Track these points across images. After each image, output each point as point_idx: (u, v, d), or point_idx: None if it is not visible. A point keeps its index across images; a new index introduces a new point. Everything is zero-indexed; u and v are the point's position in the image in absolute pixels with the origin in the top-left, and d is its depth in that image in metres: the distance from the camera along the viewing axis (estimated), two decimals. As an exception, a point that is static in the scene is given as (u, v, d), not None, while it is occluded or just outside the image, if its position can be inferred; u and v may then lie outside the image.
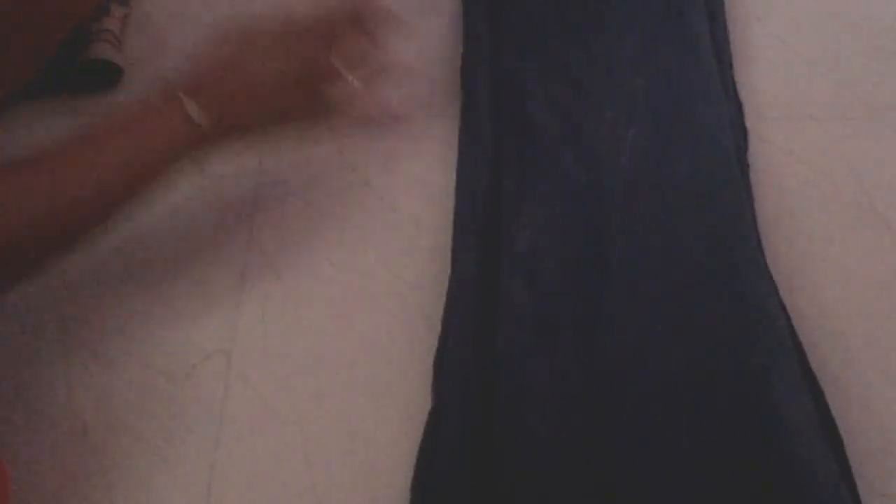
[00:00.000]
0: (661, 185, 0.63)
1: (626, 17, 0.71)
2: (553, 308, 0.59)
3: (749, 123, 0.68)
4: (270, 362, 0.62)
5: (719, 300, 0.58)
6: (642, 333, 0.58)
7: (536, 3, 0.73)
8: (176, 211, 0.68)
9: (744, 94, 0.70)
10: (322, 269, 0.65)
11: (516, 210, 0.63)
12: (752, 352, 0.56)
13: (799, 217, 0.64)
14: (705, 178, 0.63)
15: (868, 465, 0.55)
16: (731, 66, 0.71)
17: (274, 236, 0.66)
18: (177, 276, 0.65)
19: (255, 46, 0.54)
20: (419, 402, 0.58)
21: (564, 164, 0.65)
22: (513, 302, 0.59)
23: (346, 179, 0.68)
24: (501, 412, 0.55)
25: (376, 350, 0.61)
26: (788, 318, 0.59)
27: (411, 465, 0.56)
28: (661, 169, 0.64)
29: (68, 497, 0.57)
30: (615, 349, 0.57)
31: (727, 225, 0.61)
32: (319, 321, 0.63)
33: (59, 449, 0.59)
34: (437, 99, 0.72)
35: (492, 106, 0.68)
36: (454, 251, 0.63)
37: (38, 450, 0.59)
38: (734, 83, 0.71)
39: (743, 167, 0.66)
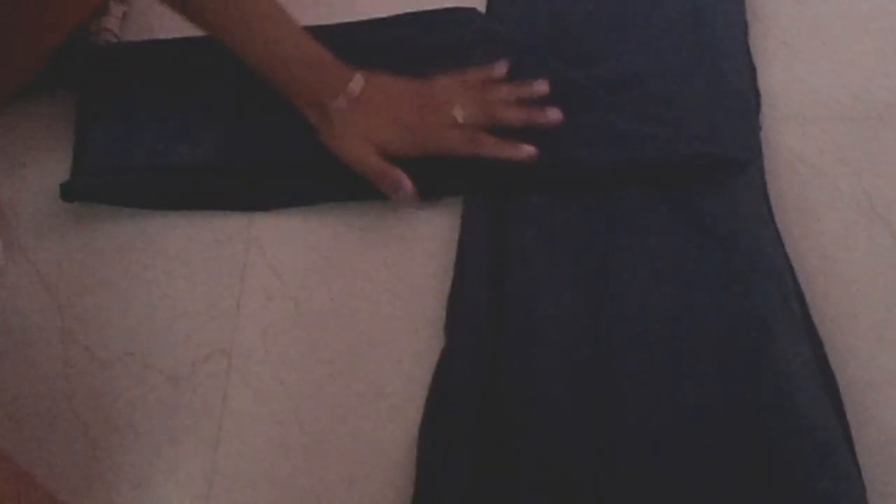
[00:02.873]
0: None
1: None
2: (563, 257, 0.61)
3: (749, 123, 0.68)
4: (270, 362, 0.62)
5: (726, 252, 0.60)
6: (650, 280, 0.60)
7: None
8: (176, 210, 0.68)
9: (744, 93, 0.70)
10: (322, 269, 0.65)
11: None
12: (755, 302, 0.58)
13: (799, 217, 0.64)
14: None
15: (868, 465, 0.55)
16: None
17: (274, 236, 0.66)
18: (177, 275, 0.65)
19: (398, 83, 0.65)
20: (419, 403, 0.58)
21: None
22: (524, 248, 0.61)
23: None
24: (511, 348, 0.58)
25: (376, 350, 0.61)
26: (793, 272, 0.60)
27: (411, 465, 0.56)
28: None
29: (68, 497, 0.57)
30: (623, 294, 0.59)
31: (733, 177, 0.63)
32: (319, 321, 0.63)
33: (59, 449, 0.59)
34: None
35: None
36: (466, 205, 0.64)
37: (39, 450, 0.59)
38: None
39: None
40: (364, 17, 0.73)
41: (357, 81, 0.62)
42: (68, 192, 0.66)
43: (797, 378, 0.55)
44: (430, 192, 0.64)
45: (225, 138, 0.68)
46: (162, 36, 0.76)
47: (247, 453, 0.58)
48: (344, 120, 0.62)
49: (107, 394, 0.61)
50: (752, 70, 0.69)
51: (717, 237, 0.61)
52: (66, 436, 0.60)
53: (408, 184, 0.62)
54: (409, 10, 0.73)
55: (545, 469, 0.54)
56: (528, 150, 0.61)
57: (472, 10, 0.72)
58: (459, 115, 0.62)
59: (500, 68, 0.66)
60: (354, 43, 0.70)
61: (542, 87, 0.64)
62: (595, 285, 0.60)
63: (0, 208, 0.69)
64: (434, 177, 0.64)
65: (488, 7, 0.74)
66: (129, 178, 0.67)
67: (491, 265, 0.61)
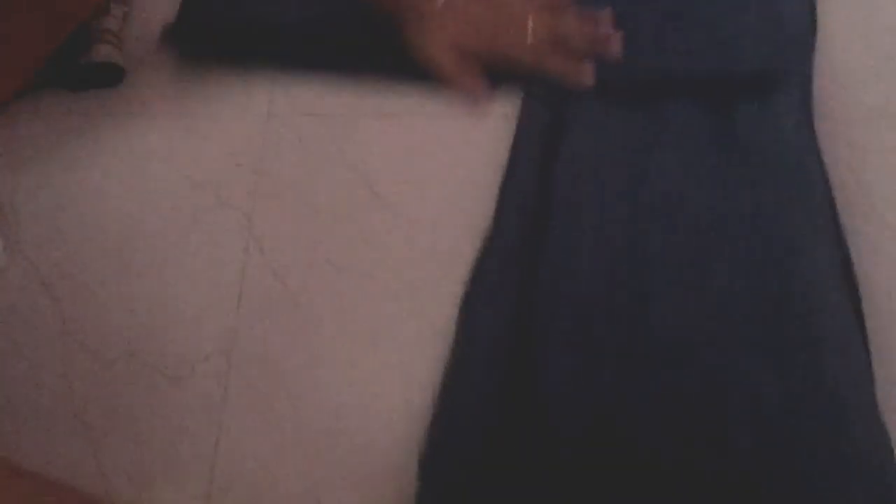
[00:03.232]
0: None
1: None
2: (608, 153, 0.65)
3: (749, 123, 0.68)
4: (270, 362, 0.62)
5: (763, 155, 0.64)
6: (686, 174, 0.64)
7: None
8: (176, 211, 0.68)
9: (744, 93, 0.70)
10: (322, 269, 0.65)
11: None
12: (785, 205, 0.61)
13: (799, 217, 0.64)
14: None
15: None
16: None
17: (274, 236, 0.66)
18: (177, 276, 0.65)
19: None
20: (419, 402, 0.59)
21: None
22: (572, 156, 0.65)
23: (347, 179, 0.68)
24: (553, 231, 0.62)
25: (376, 350, 0.61)
26: (828, 182, 0.63)
27: (411, 465, 0.56)
28: None
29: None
30: (660, 188, 0.63)
31: (778, 93, 0.66)
32: (319, 321, 0.63)
33: (59, 449, 0.59)
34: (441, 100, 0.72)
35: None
36: (519, 112, 0.69)
37: (39, 450, 0.59)
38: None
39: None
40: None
41: None
42: (174, 36, 0.71)
43: (818, 275, 0.59)
44: (491, 81, 0.67)
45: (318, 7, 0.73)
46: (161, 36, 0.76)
47: (247, 453, 0.58)
48: (429, 22, 0.65)
49: (107, 394, 0.61)
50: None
51: (754, 141, 0.64)
52: (66, 436, 0.60)
53: (479, 93, 0.65)
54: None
55: (570, 344, 0.58)
56: (588, 75, 0.65)
57: None
58: (530, 32, 0.65)
59: None
60: None
61: (607, 24, 0.66)
62: (636, 179, 0.64)
63: (0, 208, 0.69)
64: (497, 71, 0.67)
65: None
66: (229, 30, 0.73)
67: (542, 155, 0.66)
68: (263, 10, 0.74)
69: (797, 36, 0.69)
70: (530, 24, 0.66)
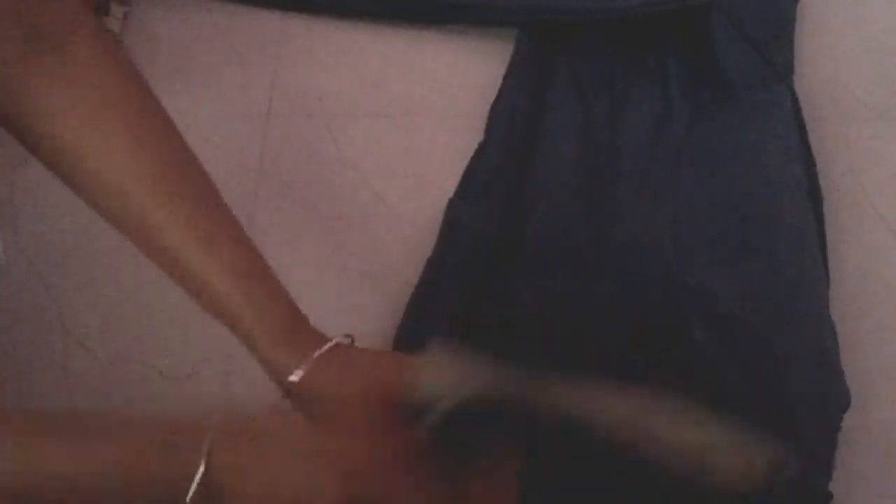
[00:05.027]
0: None
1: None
2: (592, 94, 0.70)
3: (749, 123, 0.68)
4: (270, 362, 0.61)
5: (736, 99, 0.68)
6: (661, 114, 0.68)
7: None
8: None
9: (744, 93, 0.70)
10: (322, 269, 0.65)
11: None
12: (752, 127, 0.66)
13: (799, 217, 0.64)
14: None
15: (868, 465, 0.55)
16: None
17: (274, 236, 0.66)
18: (177, 275, 0.65)
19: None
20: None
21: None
22: (562, 85, 0.70)
23: (346, 179, 0.69)
24: (539, 145, 0.67)
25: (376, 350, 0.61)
26: (797, 101, 0.66)
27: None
28: None
29: (68, 497, 0.57)
30: (636, 125, 0.68)
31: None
32: (319, 321, 0.63)
33: (59, 449, 0.59)
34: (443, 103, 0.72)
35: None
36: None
37: (38, 450, 0.59)
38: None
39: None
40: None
41: None
42: None
43: (781, 183, 0.63)
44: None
45: None
46: (161, 38, 0.76)
47: (247, 453, 0.58)
48: None
49: (107, 394, 0.61)
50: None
51: (727, 76, 0.68)
52: (66, 436, 0.59)
53: None
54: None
55: (547, 248, 0.62)
56: None
57: None
58: None
59: None
60: None
61: None
62: (616, 111, 0.68)
63: (0, 208, 0.69)
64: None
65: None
66: None
67: (534, 82, 0.70)
68: None
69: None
70: None
